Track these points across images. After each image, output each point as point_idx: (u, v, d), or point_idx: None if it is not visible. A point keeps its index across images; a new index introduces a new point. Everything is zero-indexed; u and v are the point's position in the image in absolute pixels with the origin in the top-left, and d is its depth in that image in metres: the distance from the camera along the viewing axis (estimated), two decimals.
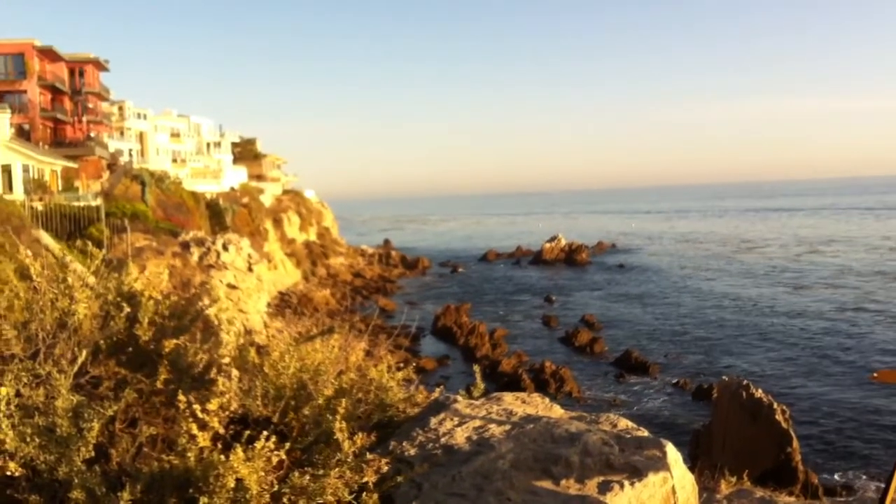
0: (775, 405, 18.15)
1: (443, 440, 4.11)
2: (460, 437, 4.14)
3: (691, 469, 4.36)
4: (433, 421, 4.40)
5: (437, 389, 5.59)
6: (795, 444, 17.32)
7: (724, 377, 19.83)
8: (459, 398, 4.90)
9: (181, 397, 3.64)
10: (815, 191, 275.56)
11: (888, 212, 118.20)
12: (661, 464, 3.96)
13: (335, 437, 3.90)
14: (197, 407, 3.55)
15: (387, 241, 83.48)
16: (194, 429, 3.48)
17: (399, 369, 5.40)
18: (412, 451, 4.02)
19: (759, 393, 18.48)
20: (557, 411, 4.77)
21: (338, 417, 3.93)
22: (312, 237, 63.43)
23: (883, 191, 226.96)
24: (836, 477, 18.88)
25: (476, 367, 5.80)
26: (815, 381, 27.13)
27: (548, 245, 71.71)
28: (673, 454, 4.09)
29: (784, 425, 17.98)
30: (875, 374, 5.49)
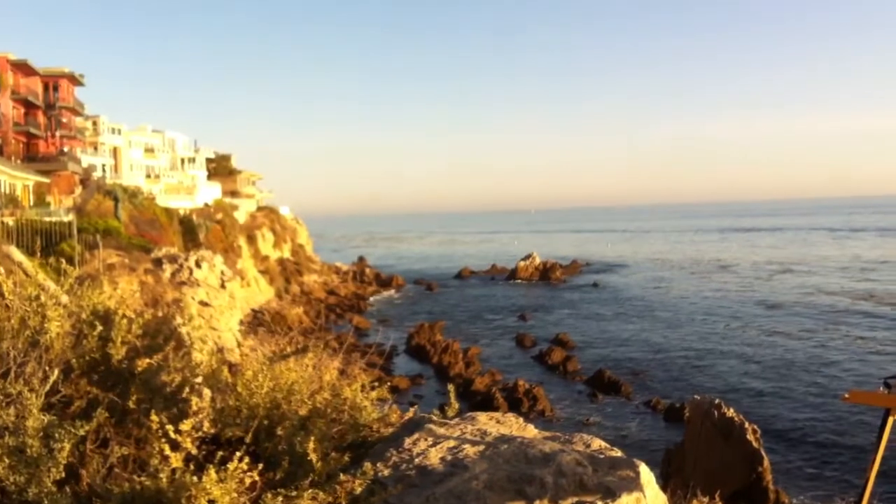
0: (747, 425, 18.26)
1: (417, 460, 4.10)
2: (434, 457, 4.13)
3: (664, 489, 4.38)
4: (407, 441, 4.39)
5: (412, 409, 5.58)
6: (766, 463, 17.43)
7: (696, 396, 19.91)
8: (434, 418, 4.90)
9: (153, 417, 3.61)
10: (788, 211, 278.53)
11: (856, 233, 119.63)
12: (634, 484, 3.97)
13: (308, 458, 3.89)
14: (169, 427, 3.53)
15: (361, 259, 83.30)
16: (167, 449, 3.45)
17: (373, 388, 5.39)
18: (386, 472, 4.01)
19: (730, 412, 18.59)
20: (531, 431, 4.78)
21: (311, 438, 3.92)
22: (287, 254, 63.15)
23: (850, 211, 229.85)
24: (807, 497, 18.99)
25: (450, 387, 5.80)
26: (787, 401, 27.33)
27: (522, 263, 71.89)
28: (646, 474, 4.10)
29: (755, 445, 18.09)
30: (847, 395, 5.57)
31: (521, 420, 4.98)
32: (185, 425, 3.61)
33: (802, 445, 22.47)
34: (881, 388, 5.31)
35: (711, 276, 66.94)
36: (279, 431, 4.34)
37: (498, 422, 4.89)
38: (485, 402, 25.32)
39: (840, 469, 20.08)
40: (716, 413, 18.90)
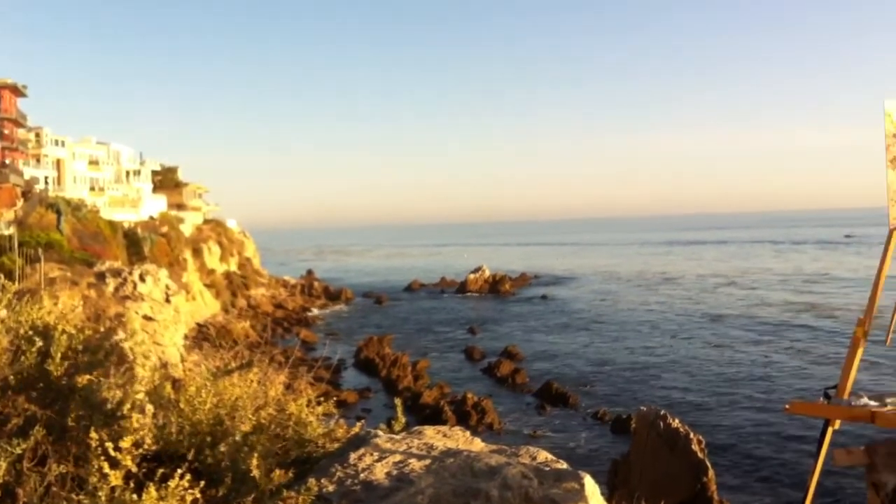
0: (692, 435, 18.47)
1: (362, 476, 4.07)
2: (380, 472, 4.11)
3: (609, 500, 4.41)
4: (353, 456, 4.36)
5: (359, 424, 5.55)
6: (711, 473, 17.62)
7: (642, 408, 20.09)
8: (380, 433, 4.88)
9: (93, 434, 3.55)
10: (731, 224, 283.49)
11: (798, 245, 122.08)
12: (578, 496, 3.99)
13: (252, 474, 3.84)
14: (109, 444, 3.47)
15: (309, 272, 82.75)
16: (105, 467, 3.39)
17: (319, 403, 5.35)
18: (331, 488, 3.98)
19: (676, 423, 18.79)
20: (478, 445, 4.78)
21: (255, 454, 3.88)
22: (233, 267, 62.48)
23: (792, 225, 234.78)
24: None
25: (397, 401, 5.78)
26: (731, 411, 27.71)
27: (472, 276, 72.09)
28: (590, 486, 4.13)
29: (700, 455, 18.30)
30: (788, 406, 5.65)
31: (467, 433, 4.98)
32: (125, 442, 3.54)
33: (746, 455, 22.79)
34: (821, 399, 5.41)
35: (657, 289, 67.75)
36: (222, 448, 4.28)
37: (445, 435, 4.88)
38: (433, 416, 25.29)
39: (783, 478, 20.41)
40: (661, 424, 19.07)
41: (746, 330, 44.04)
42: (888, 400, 5.10)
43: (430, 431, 4.91)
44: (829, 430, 5.33)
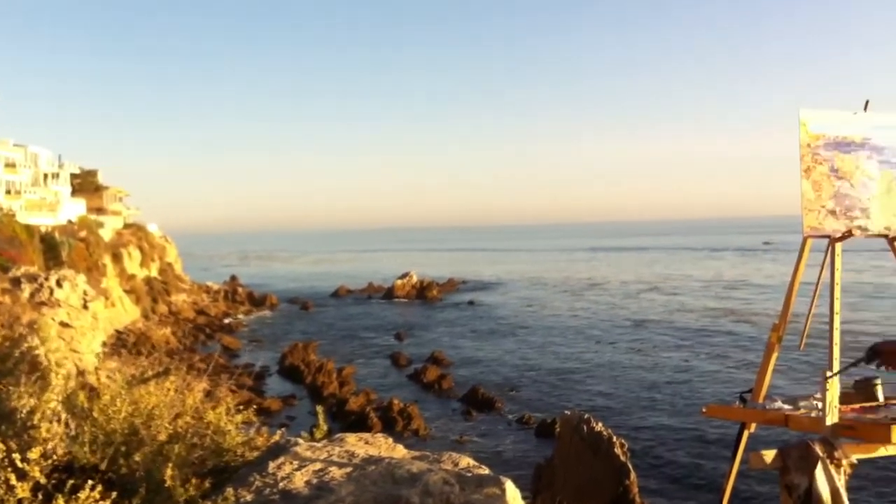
0: (615, 439, 18.69)
1: (281, 485, 4.01)
2: (299, 481, 4.05)
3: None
4: (272, 465, 4.29)
5: (279, 432, 5.47)
6: (633, 476, 17.84)
7: (566, 412, 20.23)
8: (300, 441, 4.82)
9: (0, 445, 3.43)
10: (653, 231, 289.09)
11: (717, 252, 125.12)
12: (499, 501, 4.00)
13: (166, 485, 3.76)
14: (16, 455, 3.35)
15: (233, 278, 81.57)
16: (13, 479, 3.28)
17: (239, 411, 5.27)
18: (248, 497, 3.91)
19: (599, 427, 18.99)
20: (400, 451, 4.76)
21: (169, 464, 3.79)
22: (154, 273, 61.23)
23: (717, 232, 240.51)
24: None
25: (319, 409, 5.72)
26: (653, 415, 28.16)
27: (399, 282, 71.97)
28: (511, 491, 4.14)
29: (622, 458, 18.53)
30: (705, 410, 5.74)
31: (390, 440, 4.95)
32: (34, 453, 3.43)
33: (667, 458, 23.18)
34: (737, 403, 5.51)
35: (582, 294, 68.59)
36: (137, 457, 4.19)
37: (367, 443, 4.84)
38: (359, 422, 25.10)
39: (702, 480, 20.82)
40: (585, 428, 19.25)
41: (668, 335, 44.85)
42: (801, 403, 5.22)
43: (351, 439, 4.87)
44: (745, 434, 5.44)
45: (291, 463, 4.30)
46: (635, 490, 18.09)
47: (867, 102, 5.54)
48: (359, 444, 4.71)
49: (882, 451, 4.71)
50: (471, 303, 65.01)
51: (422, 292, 69.73)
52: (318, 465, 4.23)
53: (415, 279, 72.11)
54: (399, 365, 38.52)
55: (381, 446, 4.73)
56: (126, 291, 50.03)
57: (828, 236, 5.41)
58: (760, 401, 5.28)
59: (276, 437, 5.21)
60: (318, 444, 4.68)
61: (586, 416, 20.44)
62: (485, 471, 4.40)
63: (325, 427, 5.26)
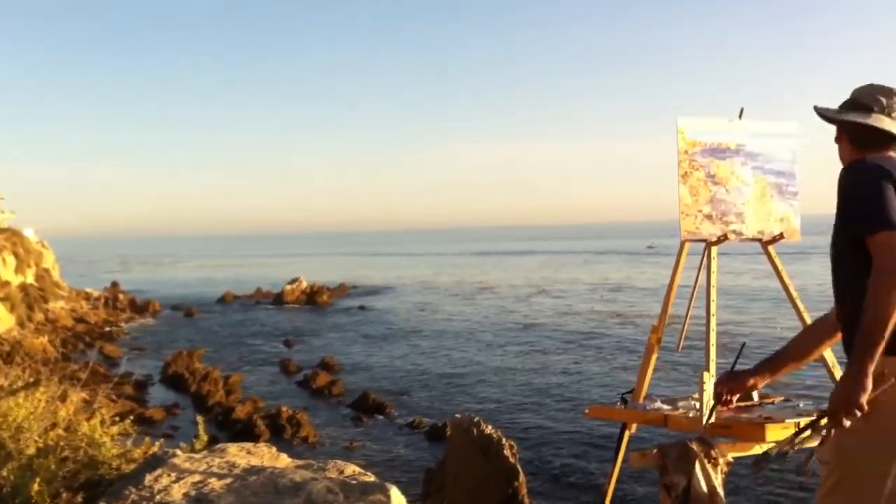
0: (504, 441, 18.84)
1: (157, 498, 3.86)
2: (177, 493, 3.91)
3: None
4: (148, 478, 4.13)
5: (157, 443, 5.29)
6: (522, 478, 17.99)
7: (457, 415, 20.29)
8: (179, 452, 4.66)
9: None
10: (541, 235, 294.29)
11: (604, 256, 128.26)
12: None
13: (34, 501, 3.59)
14: None
15: (114, 284, 78.92)
16: None
17: (115, 422, 5.08)
18: None
19: (489, 429, 19.11)
20: (284, 460, 4.66)
21: (37, 479, 3.62)
22: (30, 279, 58.71)
23: (599, 236, 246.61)
24: None
25: (199, 419, 5.56)
26: (541, 416, 28.57)
27: (288, 287, 71.01)
28: (397, 498, 4.10)
29: (511, 460, 18.70)
30: (587, 411, 5.84)
31: (273, 449, 4.84)
32: None
33: (554, 458, 23.55)
34: (618, 403, 5.62)
35: (473, 299, 69.23)
36: (3, 472, 3.99)
37: (249, 452, 4.72)
38: (246, 431, 24.62)
39: (586, 480, 21.22)
40: (475, 430, 19.32)
41: (556, 338, 45.61)
42: (680, 404, 5.36)
43: (233, 449, 4.74)
44: (626, 434, 5.56)
45: (169, 475, 4.15)
46: (524, 491, 18.28)
47: (742, 110, 5.75)
48: (240, 454, 4.59)
49: (757, 450, 4.87)
50: (362, 308, 64.71)
51: (312, 297, 69.06)
52: (196, 477, 4.09)
53: (304, 284, 71.32)
54: (288, 372, 37.97)
55: (264, 456, 4.62)
56: (0, 299, 47.81)
57: (704, 240, 5.58)
58: (641, 401, 5.40)
59: (154, 449, 5.04)
60: (198, 456, 4.53)
61: (476, 418, 20.52)
62: (371, 478, 4.35)
63: (205, 437, 5.11)
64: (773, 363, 4.69)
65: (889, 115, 3.95)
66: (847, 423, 3.59)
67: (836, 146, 4.09)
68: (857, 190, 3.82)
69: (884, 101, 3.94)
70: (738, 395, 4.84)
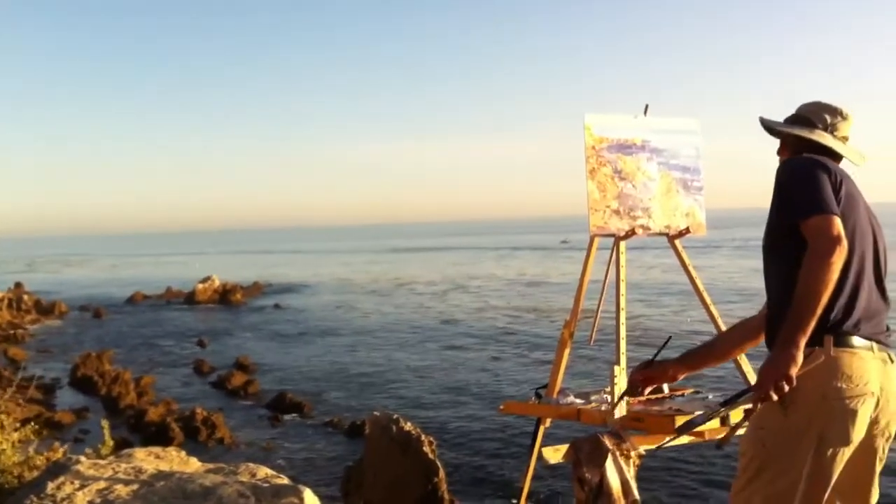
0: (423, 437, 18.85)
1: None
2: (81, 501, 3.79)
3: None
4: (50, 486, 3.99)
5: (61, 449, 5.13)
6: (442, 474, 18.06)
7: (375, 412, 20.26)
8: (83, 458, 4.51)
9: None
10: (457, 231, 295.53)
11: (518, 252, 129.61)
12: None
13: None
14: None
15: (18, 285, 76.18)
16: None
17: (17, 429, 4.89)
18: None
19: (408, 426, 19.09)
20: (194, 464, 4.56)
21: None
22: None
23: (517, 231, 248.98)
24: (477, 502, 20.04)
25: (104, 423, 5.40)
26: (460, 412, 28.69)
27: (200, 286, 69.61)
28: (310, 499, 4.05)
29: (431, 456, 18.72)
30: (502, 407, 5.88)
31: (182, 453, 4.74)
32: None
33: (474, 453, 23.67)
34: (533, 398, 5.66)
35: (390, 296, 69.09)
36: None
37: (157, 457, 4.60)
38: (159, 434, 24.06)
39: (505, 473, 21.38)
40: (394, 428, 19.29)
41: (474, 334, 45.85)
42: (593, 397, 5.44)
43: (140, 454, 4.62)
44: (541, 429, 5.62)
45: (73, 482, 4.01)
46: (444, 487, 18.33)
47: (647, 107, 5.86)
48: (148, 459, 4.48)
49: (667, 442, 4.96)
50: (277, 306, 63.92)
51: (225, 296, 67.93)
52: (102, 484, 3.97)
53: (217, 283, 70.08)
54: (202, 372, 37.24)
55: (174, 460, 4.51)
56: None
57: (613, 235, 5.67)
58: (554, 396, 5.45)
59: (58, 456, 4.87)
60: (104, 462, 4.40)
61: (395, 415, 20.47)
62: (284, 480, 4.29)
63: (111, 442, 4.96)
64: (696, 356, 4.80)
65: (832, 133, 4.17)
66: (774, 396, 3.66)
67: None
68: (793, 178, 3.98)
69: (828, 118, 4.12)
70: (653, 386, 4.93)
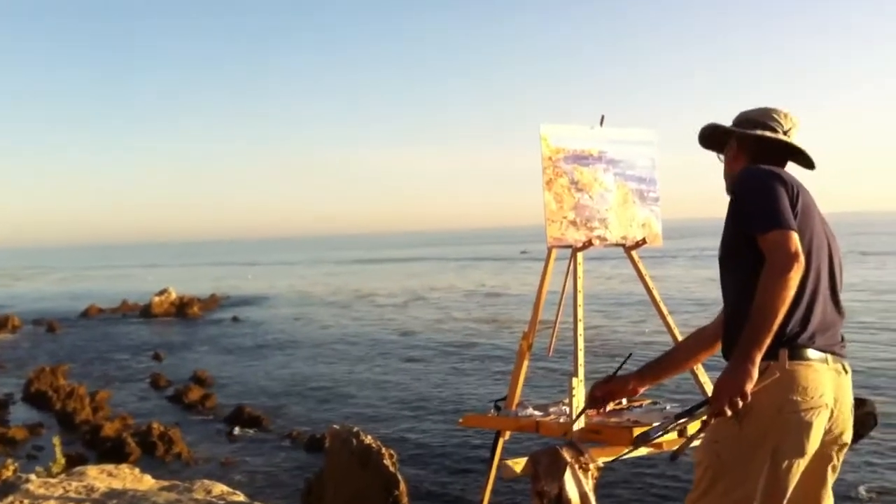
0: (384, 450, 18.72)
1: None
2: None
3: None
4: None
5: (12, 467, 5.01)
6: (402, 487, 17.95)
7: (335, 425, 20.11)
8: (34, 477, 4.42)
9: None
10: (417, 242, 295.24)
11: (479, 262, 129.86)
12: None
13: None
14: None
15: None
16: None
17: None
18: None
19: (368, 439, 18.97)
20: (147, 482, 4.48)
21: None
22: None
23: (477, 242, 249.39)
24: None
25: (56, 440, 5.30)
26: (421, 424, 28.60)
27: (157, 299, 68.75)
28: None
29: (392, 469, 18.60)
30: (462, 420, 5.85)
31: (136, 471, 4.65)
32: None
33: (435, 466, 23.60)
34: (492, 411, 5.65)
35: (350, 307, 68.79)
36: None
37: (110, 474, 4.52)
38: (115, 449, 23.67)
39: (466, 486, 21.34)
40: (354, 441, 19.15)
41: (434, 346, 45.76)
42: (552, 409, 5.43)
43: (93, 471, 4.53)
44: (500, 442, 5.60)
45: (22, 502, 3.92)
46: (405, 500, 18.21)
47: (602, 118, 5.90)
48: (101, 477, 4.39)
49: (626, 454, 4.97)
50: (235, 319, 63.34)
51: (182, 309, 67.18)
52: (52, 503, 3.88)
53: (174, 296, 69.30)
54: (158, 386, 36.74)
55: (126, 478, 4.43)
56: None
57: (570, 246, 5.68)
58: (513, 408, 5.44)
59: (8, 474, 4.76)
60: (54, 480, 4.31)
61: (355, 429, 20.33)
62: (240, 497, 4.23)
63: (62, 460, 4.86)
64: (655, 368, 4.80)
65: (787, 135, 4.14)
66: (729, 411, 3.68)
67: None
68: (751, 190, 3.98)
69: (783, 123, 4.12)
70: (614, 402, 4.93)
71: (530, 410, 5.44)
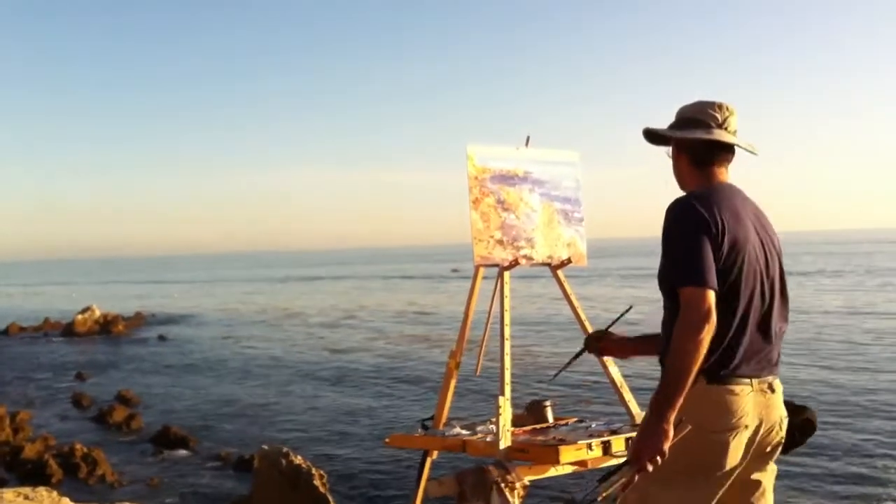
0: (314, 471, 18.55)
1: None
2: None
3: None
4: None
5: None
6: None
7: (264, 446, 19.87)
8: None
9: None
10: (348, 259, 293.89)
11: (409, 280, 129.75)
12: None
13: None
14: None
15: None
16: None
17: None
18: None
19: (298, 460, 18.77)
20: None
21: None
22: None
23: (407, 260, 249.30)
24: None
25: None
26: (352, 444, 28.35)
27: (80, 317, 67.03)
28: None
29: (322, 490, 18.43)
30: (388, 440, 5.84)
31: (54, 493, 4.55)
32: None
33: (365, 486, 23.39)
34: (419, 430, 5.65)
35: (280, 325, 68.03)
36: None
37: (27, 498, 4.41)
38: (36, 471, 22.98)
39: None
40: (283, 461, 18.95)
41: (364, 365, 45.44)
42: (479, 428, 5.47)
43: (8, 494, 4.41)
44: (428, 461, 5.60)
45: None
46: None
47: (528, 138, 5.99)
48: (17, 501, 4.28)
49: (552, 472, 5.03)
50: (161, 337, 62.07)
51: (106, 327, 65.63)
52: None
53: (97, 314, 67.64)
54: (82, 406, 35.77)
55: (44, 500, 4.32)
56: None
57: (497, 265, 5.74)
58: (441, 427, 5.45)
59: None
60: None
61: (285, 449, 20.09)
62: None
63: None
64: (646, 343, 4.87)
65: (725, 129, 4.07)
66: (650, 467, 3.76)
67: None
68: (675, 237, 4.01)
69: (718, 115, 4.05)
70: (607, 354, 5.02)
71: (457, 429, 5.47)
